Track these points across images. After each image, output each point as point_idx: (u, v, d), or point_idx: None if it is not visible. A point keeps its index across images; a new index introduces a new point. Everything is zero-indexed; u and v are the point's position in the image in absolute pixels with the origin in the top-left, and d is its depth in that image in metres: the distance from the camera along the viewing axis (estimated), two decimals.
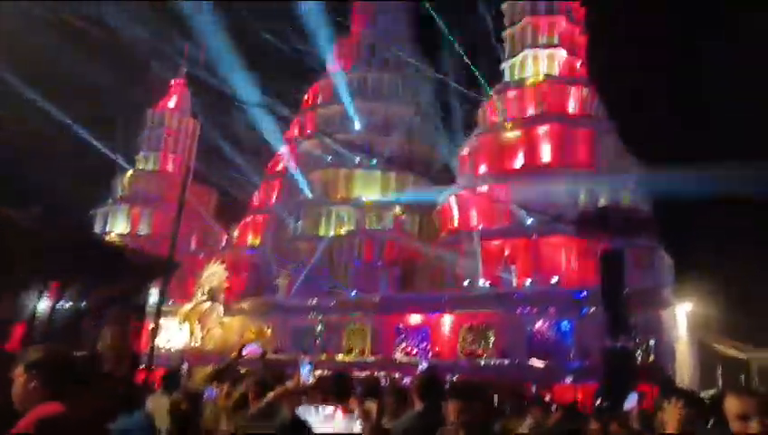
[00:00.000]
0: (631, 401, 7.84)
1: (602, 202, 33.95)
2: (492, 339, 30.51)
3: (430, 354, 31.77)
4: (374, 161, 44.41)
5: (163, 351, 33.81)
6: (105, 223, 53.97)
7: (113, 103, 59.63)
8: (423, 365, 27.44)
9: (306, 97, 53.58)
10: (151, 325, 19.79)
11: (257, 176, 52.62)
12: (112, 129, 53.69)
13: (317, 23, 47.12)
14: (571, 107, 37.70)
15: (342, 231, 43.42)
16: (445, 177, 44.98)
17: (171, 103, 60.09)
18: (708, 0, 77.71)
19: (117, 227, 53.53)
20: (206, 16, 47.71)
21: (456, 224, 36.97)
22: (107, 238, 47.00)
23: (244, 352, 7.09)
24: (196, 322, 38.71)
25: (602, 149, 36.20)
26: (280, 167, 50.68)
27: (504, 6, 42.76)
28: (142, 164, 58.01)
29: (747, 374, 34.50)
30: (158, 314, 19.52)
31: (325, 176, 46.65)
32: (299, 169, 48.29)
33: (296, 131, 51.54)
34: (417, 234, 43.41)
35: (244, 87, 45.19)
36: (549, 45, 39.96)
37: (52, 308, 11.90)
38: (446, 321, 31.99)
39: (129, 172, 57.02)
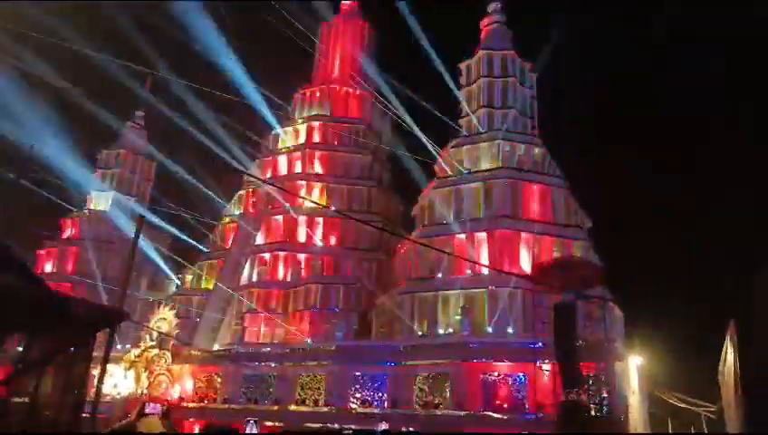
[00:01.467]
0: None
1: (555, 254, 34.65)
2: (448, 389, 30.31)
3: (386, 404, 31.30)
4: (333, 209, 44.40)
5: (108, 398, 32.40)
6: (52, 263, 52.08)
7: (66, 140, 58.25)
8: (383, 426, 27.03)
9: (266, 143, 53.61)
10: (97, 372, 18.98)
11: (213, 219, 51.92)
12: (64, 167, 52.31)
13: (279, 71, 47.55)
14: (525, 162, 38.86)
15: (299, 278, 42.90)
16: (403, 225, 45.35)
17: (126, 144, 59.13)
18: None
19: (64, 267, 51.68)
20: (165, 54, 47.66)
21: (413, 272, 37.05)
22: (53, 280, 45.30)
23: (146, 410, 7.01)
24: (144, 368, 37.25)
25: (554, 203, 37.27)
26: (236, 211, 50.13)
27: (461, 65, 44.33)
28: (93, 204, 56.56)
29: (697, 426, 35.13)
30: (105, 360, 18.78)
31: (283, 222, 46.34)
32: (256, 214, 47.92)
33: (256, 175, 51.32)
34: (375, 282, 43.30)
35: (204, 126, 44.85)
36: (502, 105, 41.48)
37: None
38: (403, 370, 31.68)
39: (79, 212, 55.43)
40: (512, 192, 36.91)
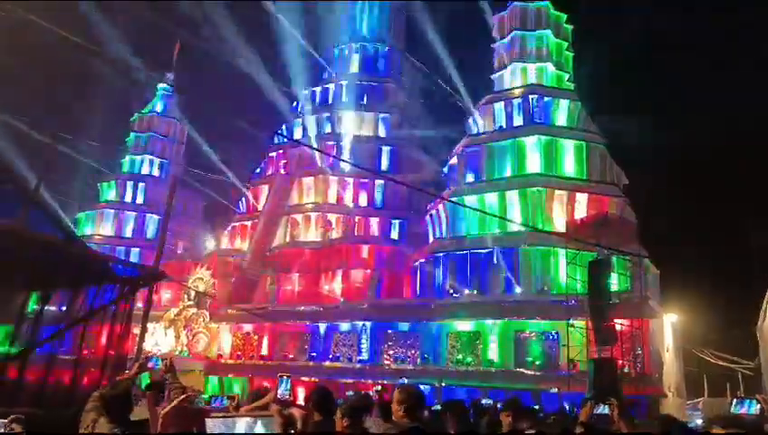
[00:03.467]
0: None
1: (590, 212, 34.09)
2: (480, 346, 30.51)
3: (419, 361, 31.73)
4: (364, 168, 44.32)
5: (150, 355, 33.50)
6: (91, 226, 53.47)
7: (100, 107, 59.06)
8: (402, 380, 27.34)
9: (296, 104, 53.46)
10: (137, 330, 19.59)
11: (246, 181, 52.41)
12: (99, 132, 53.26)
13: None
14: (559, 118, 37.93)
15: (331, 237, 43.28)
16: (434, 184, 45.07)
17: (159, 107, 59.69)
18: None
19: (103, 230, 53.05)
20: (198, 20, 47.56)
21: (444, 231, 36.97)
22: (93, 241, 46.59)
23: (149, 365, 7.19)
24: (183, 327, 38.39)
25: (589, 159, 36.43)
26: (269, 172, 50.51)
27: (494, 19, 43.09)
28: (128, 167, 57.55)
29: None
30: (145, 319, 19.35)
31: (315, 182, 46.56)
32: (288, 174, 48.18)
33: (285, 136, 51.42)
34: (407, 241, 43.38)
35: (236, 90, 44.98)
36: (536, 59, 40.29)
37: (38, 314, 11.73)
38: (435, 327, 31.95)
39: (116, 176, 56.55)
40: (545, 149, 36.20)
